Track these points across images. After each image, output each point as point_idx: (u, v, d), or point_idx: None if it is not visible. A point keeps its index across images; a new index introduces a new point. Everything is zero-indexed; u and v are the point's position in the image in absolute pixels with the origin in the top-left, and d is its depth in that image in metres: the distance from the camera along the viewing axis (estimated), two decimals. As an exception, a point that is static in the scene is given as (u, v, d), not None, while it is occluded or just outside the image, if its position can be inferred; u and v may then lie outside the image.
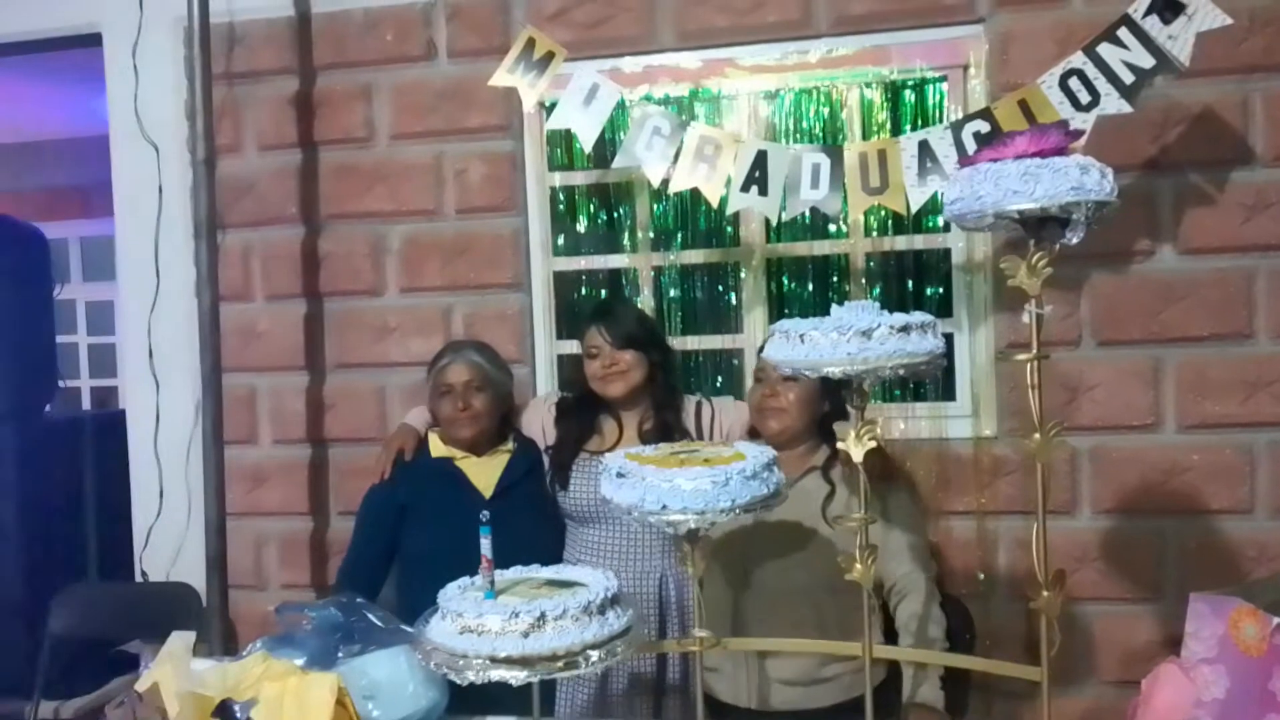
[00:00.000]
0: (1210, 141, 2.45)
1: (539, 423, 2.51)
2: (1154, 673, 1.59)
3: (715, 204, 2.44)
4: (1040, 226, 1.56)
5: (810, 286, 2.83)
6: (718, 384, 2.89)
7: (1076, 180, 1.49)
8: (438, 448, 2.47)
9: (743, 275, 2.80)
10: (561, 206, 2.92)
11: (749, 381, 2.54)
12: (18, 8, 3.07)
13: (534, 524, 2.34)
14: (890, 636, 2.10)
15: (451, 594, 1.58)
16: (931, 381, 2.66)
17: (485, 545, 1.55)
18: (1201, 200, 2.47)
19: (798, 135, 2.77)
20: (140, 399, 3.03)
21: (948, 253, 2.69)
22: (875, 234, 2.72)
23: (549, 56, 2.46)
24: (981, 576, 2.57)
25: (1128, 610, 2.52)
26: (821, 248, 2.78)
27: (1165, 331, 2.49)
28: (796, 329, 1.58)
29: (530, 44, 2.47)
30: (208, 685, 1.44)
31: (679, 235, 2.88)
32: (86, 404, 6.32)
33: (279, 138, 2.95)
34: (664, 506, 1.53)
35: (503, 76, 2.49)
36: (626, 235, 2.88)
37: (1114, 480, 2.52)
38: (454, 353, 2.47)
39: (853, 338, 1.52)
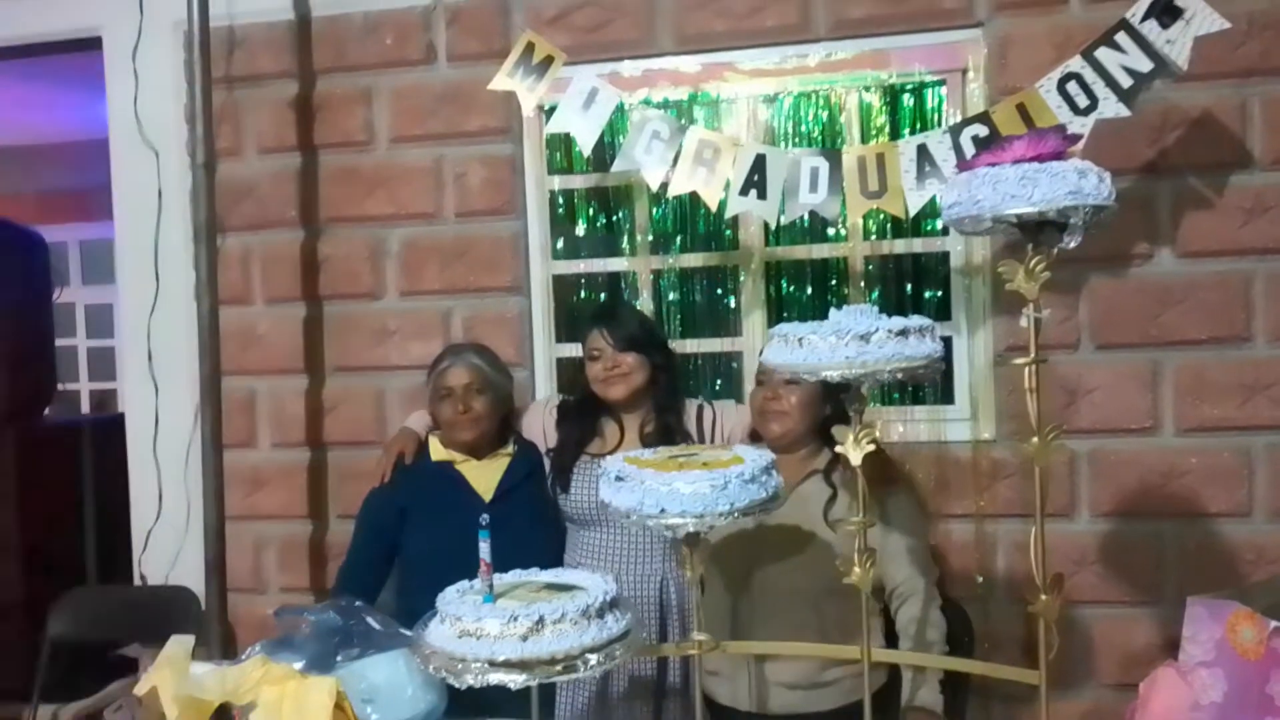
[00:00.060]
0: (1208, 145, 2.46)
1: (540, 425, 2.51)
2: (1152, 676, 1.59)
3: (714, 207, 2.44)
4: (1038, 230, 1.56)
5: (809, 290, 2.84)
6: (716, 387, 2.89)
7: (1074, 184, 1.49)
8: (438, 451, 2.47)
9: (741, 279, 2.81)
10: (561, 210, 2.92)
11: (748, 385, 2.55)
12: (18, 11, 3.07)
13: (534, 527, 2.33)
14: (892, 640, 2.10)
15: (450, 597, 1.58)
16: (930, 385, 2.66)
17: (484, 549, 1.55)
18: (1199, 204, 2.48)
19: (796, 139, 2.77)
20: (139, 402, 3.03)
21: (946, 256, 2.69)
22: (874, 237, 2.72)
23: (548, 60, 2.46)
24: (980, 580, 2.57)
25: (1126, 613, 2.52)
26: (820, 251, 2.79)
27: (1164, 335, 2.49)
28: (795, 333, 1.58)
29: (530, 48, 2.47)
30: (206, 689, 1.44)
31: (678, 239, 2.89)
32: (86, 407, 6.32)
33: (279, 141, 2.96)
34: (662, 510, 1.53)
35: (502, 80, 2.49)
36: (625, 239, 2.89)
37: (1112, 483, 2.52)
38: (454, 356, 2.46)
39: (851, 341, 1.52)
